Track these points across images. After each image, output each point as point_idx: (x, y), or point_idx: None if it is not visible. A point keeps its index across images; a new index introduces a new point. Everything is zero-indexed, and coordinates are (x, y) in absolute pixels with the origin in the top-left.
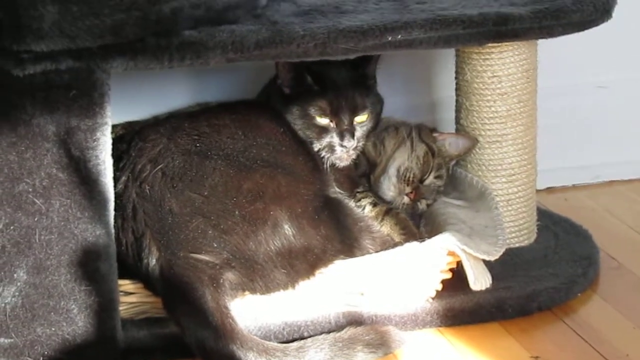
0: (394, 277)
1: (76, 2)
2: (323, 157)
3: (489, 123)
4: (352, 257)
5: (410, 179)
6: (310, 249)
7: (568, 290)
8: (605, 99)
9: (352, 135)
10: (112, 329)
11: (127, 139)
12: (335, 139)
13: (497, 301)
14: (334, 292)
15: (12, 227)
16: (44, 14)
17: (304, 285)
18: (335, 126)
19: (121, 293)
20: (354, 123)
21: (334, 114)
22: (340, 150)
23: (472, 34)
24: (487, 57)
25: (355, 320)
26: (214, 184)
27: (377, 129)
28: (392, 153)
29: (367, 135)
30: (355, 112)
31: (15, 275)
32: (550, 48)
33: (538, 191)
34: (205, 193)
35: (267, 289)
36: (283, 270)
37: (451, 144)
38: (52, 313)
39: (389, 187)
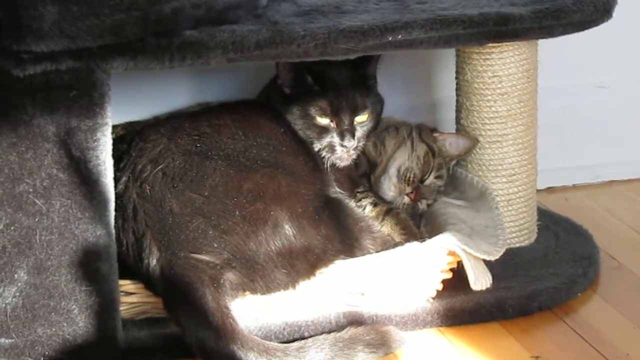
0: (395, 277)
1: (76, 2)
2: (323, 157)
3: (489, 123)
4: (352, 257)
5: (411, 179)
6: (311, 249)
7: (568, 290)
8: (605, 99)
9: (353, 135)
10: (113, 329)
11: (127, 139)
12: (336, 139)
13: (498, 301)
14: (334, 292)
15: (12, 228)
16: (44, 14)
17: (304, 285)
18: (335, 126)
19: (122, 293)
20: (355, 123)
21: (335, 114)
22: (341, 150)
23: (473, 34)
24: (488, 57)
25: (355, 320)
26: (215, 184)
27: (378, 129)
28: (392, 153)
29: (368, 135)
30: (355, 112)
31: (15, 275)
32: (550, 48)
33: (538, 191)
34: (206, 193)
35: (268, 289)
36: (283, 270)
37: (451, 144)
38: (53, 313)
39: (390, 187)
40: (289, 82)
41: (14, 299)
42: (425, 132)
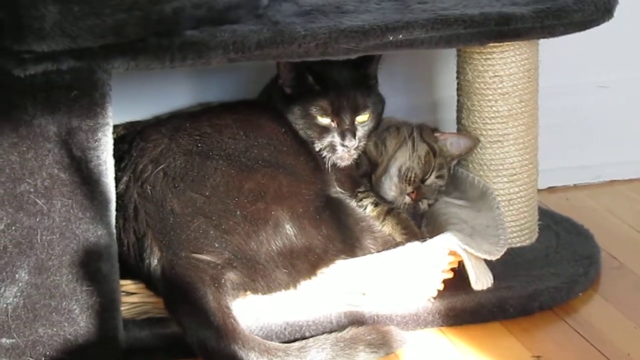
0: (396, 277)
1: (77, 2)
2: (324, 157)
3: (490, 123)
4: (353, 257)
5: (412, 178)
6: (312, 249)
7: (569, 289)
8: (606, 99)
9: (354, 135)
10: (114, 329)
11: (128, 139)
12: (337, 139)
13: (499, 301)
14: (335, 292)
15: (13, 228)
16: (45, 14)
17: (305, 285)
18: (336, 126)
19: (123, 293)
20: (355, 123)
21: (335, 114)
22: (342, 150)
23: (474, 34)
24: (489, 56)
25: (356, 320)
26: (216, 184)
27: (379, 129)
28: (393, 153)
29: (369, 135)
30: (356, 111)
31: (16, 275)
32: (551, 48)
33: (539, 191)
34: (207, 193)
35: (269, 288)
36: (284, 270)
37: (452, 143)
38: (54, 313)
39: (391, 187)
40: (290, 82)
41: (15, 299)
42: (426, 131)
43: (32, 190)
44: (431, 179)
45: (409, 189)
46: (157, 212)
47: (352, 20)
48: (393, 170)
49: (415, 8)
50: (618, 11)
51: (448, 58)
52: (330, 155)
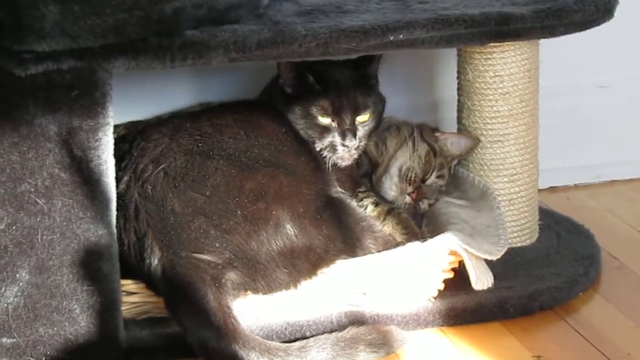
0: (396, 277)
1: (78, 1)
2: (325, 156)
3: (490, 123)
4: (354, 256)
5: (412, 178)
6: (312, 249)
7: (570, 289)
8: (606, 99)
9: (354, 135)
10: (115, 328)
11: (129, 139)
12: (337, 139)
13: (499, 301)
14: (336, 291)
15: (14, 227)
16: (45, 14)
17: (306, 285)
18: (337, 126)
19: (123, 293)
20: (356, 123)
21: (336, 114)
22: (342, 150)
23: (474, 34)
24: (489, 56)
25: (357, 320)
26: (216, 183)
27: (379, 129)
28: (394, 153)
29: (369, 135)
30: (357, 111)
31: (17, 275)
32: (552, 48)
33: (540, 191)
34: (208, 193)
35: (269, 288)
36: (285, 270)
37: (453, 143)
38: (55, 313)
39: (391, 187)
40: (291, 82)
41: (15, 299)
42: (426, 131)
43: (32, 190)
44: (432, 179)
45: (410, 189)
46: (158, 211)
47: (352, 20)
48: (393, 170)
49: (415, 8)
50: (618, 11)
51: (448, 58)
52: (330, 155)
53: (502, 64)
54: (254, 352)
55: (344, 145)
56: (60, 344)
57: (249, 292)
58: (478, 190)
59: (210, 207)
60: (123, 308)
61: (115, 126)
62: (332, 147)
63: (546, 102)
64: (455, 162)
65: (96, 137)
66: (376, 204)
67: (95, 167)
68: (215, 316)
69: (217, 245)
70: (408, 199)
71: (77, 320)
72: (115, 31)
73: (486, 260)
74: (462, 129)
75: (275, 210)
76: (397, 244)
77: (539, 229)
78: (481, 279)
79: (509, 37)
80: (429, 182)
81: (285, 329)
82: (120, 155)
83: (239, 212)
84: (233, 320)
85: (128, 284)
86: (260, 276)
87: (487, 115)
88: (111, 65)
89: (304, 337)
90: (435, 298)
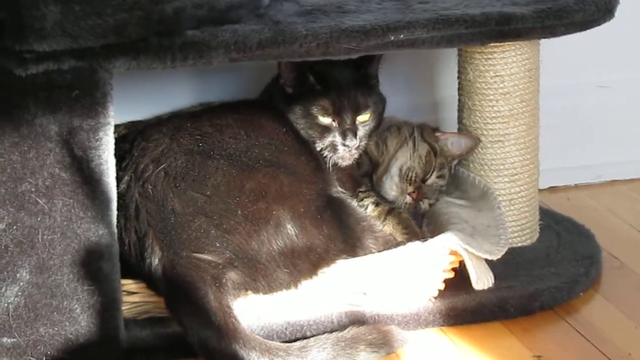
0: (397, 277)
1: (78, 1)
2: (325, 156)
3: (491, 123)
4: (354, 256)
5: (413, 178)
6: (313, 249)
7: (570, 289)
8: (607, 99)
9: (355, 135)
10: (115, 328)
11: (129, 138)
12: (338, 139)
13: (500, 300)
14: (336, 291)
15: (15, 227)
16: (46, 14)
17: (306, 284)
18: (337, 125)
19: (124, 293)
20: (357, 122)
21: (337, 114)
22: (343, 150)
23: (475, 34)
24: (490, 56)
25: (357, 320)
26: (217, 183)
27: (380, 129)
28: (394, 152)
29: (370, 135)
30: (357, 111)
31: (18, 275)
32: (552, 48)
33: (540, 191)
34: (208, 193)
35: (270, 288)
36: (285, 270)
37: (453, 143)
38: (55, 313)
39: (392, 187)
40: (291, 82)
41: (16, 299)
42: (427, 131)
43: (33, 189)
44: (432, 179)
45: (410, 189)
46: (158, 211)
47: (353, 20)
48: (394, 170)
49: (416, 8)
50: (619, 11)
51: (449, 58)
52: (331, 154)
53: (502, 64)
54: (255, 352)
55: (344, 145)
56: (61, 343)
57: (249, 292)
58: (478, 190)
59: (211, 206)
60: (123, 308)
61: (116, 126)
62: (333, 147)
63: (547, 102)
64: (455, 162)
65: (97, 137)
66: (377, 204)
67: (96, 166)
68: (216, 316)
69: (218, 245)
70: (408, 198)
71: (78, 320)
72: (116, 31)
73: (487, 260)
74: (462, 129)
75: (275, 210)
76: (398, 244)
77: (540, 229)
78: (482, 279)
79: (509, 37)
80: (429, 182)
81: (286, 328)
82: (120, 155)
83: (239, 212)
84: (234, 320)
85: (128, 284)
86: (260, 276)
87: (488, 115)
88: (112, 65)
89: (305, 337)
90: (435, 298)
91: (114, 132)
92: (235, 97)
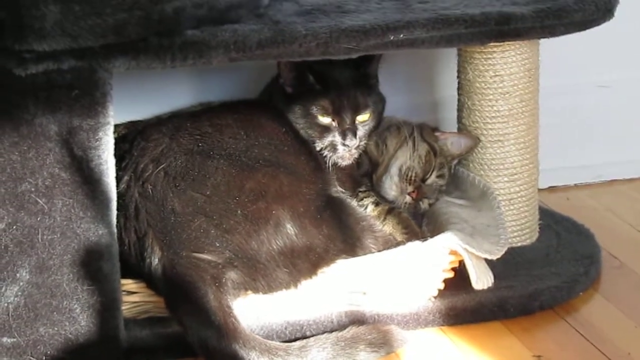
0: (396, 277)
1: (78, 1)
2: (325, 156)
3: (491, 122)
4: (354, 256)
5: (412, 178)
6: (313, 248)
7: (570, 289)
8: (607, 99)
9: (354, 135)
10: (115, 328)
11: (129, 138)
12: (338, 138)
13: (499, 300)
14: (336, 291)
15: (14, 227)
16: (46, 14)
17: (306, 284)
18: (337, 125)
19: (124, 292)
20: (356, 122)
21: (336, 113)
22: (343, 150)
23: (475, 34)
24: (489, 56)
25: (357, 320)
26: (217, 183)
27: (379, 128)
28: (394, 152)
29: (369, 135)
30: (357, 111)
31: (17, 274)
32: (552, 47)
33: (540, 190)
34: (208, 192)
35: (270, 288)
36: (285, 270)
37: (453, 143)
38: (55, 312)
39: (391, 187)
40: (291, 82)
41: (16, 298)
42: (426, 131)
43: (33, 189)
44: (432, 179)
45: (410, 189)
46: (158, 211)
47: (353, 19)
48: (394, 170)
49: (416, 8)
50: (619, 11)
51: (449, 57)
52: (331, 154)
53: (502, 64)
54: (254, 352)
55: (344, 144)
56: (61, 343)
57: (249, 292)
58: (478, 190)
59: (211, 206)
60: (123, 307)
61: (116, 126)
62: (333, 147)
63: (546, 102)
64: (455, 161)
65: (96, 137)
66: (376, 204)
67: (96, 166)
68: (216, 316)
69: (218, 244)
70: (408, 198)
71: (78, 319)
72: (116, 31)
73: (486, 260)
74: (462, 129)
75: (275, 209)
76: (398, 244)
77: (539, 228)
78: (481, 279)
79: (509, 36)
80: (429, 181)
81: (286, 328)
82: (120, 155)
83: (239, 212)
84: (233, 320)
85: (128, 284)
86: (260, 276)
87: (487, 115)
88: (111, 65)
89: (304, 337)
90: (435, 297)
91: (114, 132)
92: (235, 97)
